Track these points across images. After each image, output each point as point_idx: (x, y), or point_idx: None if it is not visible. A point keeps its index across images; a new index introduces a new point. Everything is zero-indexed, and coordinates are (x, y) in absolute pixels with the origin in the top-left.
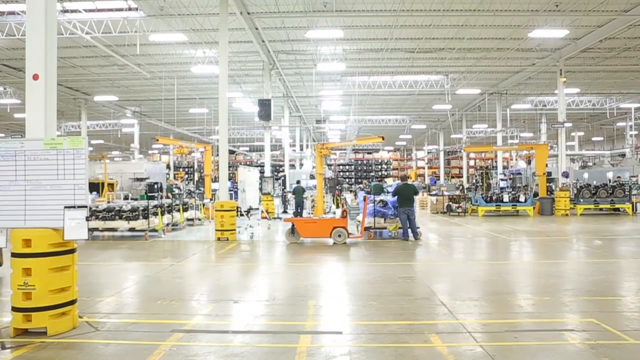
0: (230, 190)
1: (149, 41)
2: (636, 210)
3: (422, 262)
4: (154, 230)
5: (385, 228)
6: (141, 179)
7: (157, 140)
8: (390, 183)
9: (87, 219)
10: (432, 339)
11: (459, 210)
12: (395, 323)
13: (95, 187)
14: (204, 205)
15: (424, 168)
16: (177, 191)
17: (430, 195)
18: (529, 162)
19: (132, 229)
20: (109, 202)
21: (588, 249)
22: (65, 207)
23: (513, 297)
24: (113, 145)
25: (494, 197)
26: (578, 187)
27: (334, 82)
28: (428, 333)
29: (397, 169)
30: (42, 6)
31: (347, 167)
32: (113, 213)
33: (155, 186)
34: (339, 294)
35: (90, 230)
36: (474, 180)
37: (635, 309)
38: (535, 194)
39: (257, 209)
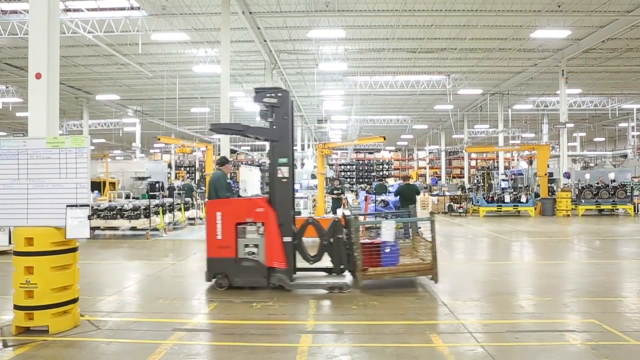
0: None
1: (151, 40)
2: (638, 211)
3: None
4: (156, 229)
5: None
6: (143, 178)
7: (159, 139)
8: (392, 183)
9: (89, 217)
10: (433, 339)
11: (460, 210)
12: (396, 323)
13: (96, 186)
14: (205, 204)
15: (425, 168)
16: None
17: (432, 195)
18: (530, 163)
19: (133, 228)
20: (110, 201)
21: (589, 250)
22: (67, 206)
23: (514, 298)
24: (114, 144)
25: (495, 198)
26: (579, 187)
27: (336, 82)
28: (429, 333)
29: (398, 169)
30: (44, 5)
31: (348, 167)
32: (115, 212)
33: (157, 185)
34: (339, 293)
35: (92, 229)
36: (476, 181)
37: (636, 310)
38: (537, 195)
39: None
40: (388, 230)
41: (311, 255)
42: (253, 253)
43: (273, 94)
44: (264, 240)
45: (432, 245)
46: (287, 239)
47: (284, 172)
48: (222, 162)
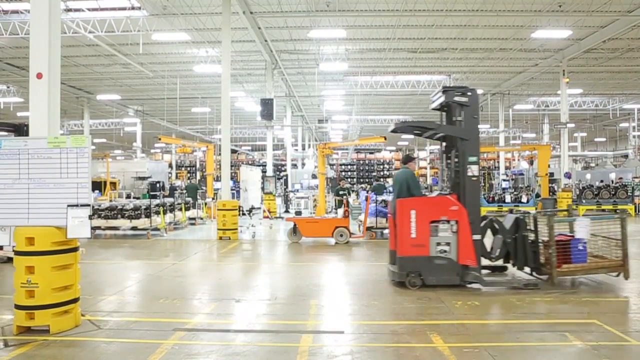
0: (232, 190)
1: (151, 40)
2: (638, 211)
3: None
4: (156, 229)
5: (387, 228)
6: (143, 178)
7: (160, 139)
8: (393, 183)
9: (90, 217)
10: (434, 339)
11: None
12: (397, 323)
13: (97, 185)
14: (206, 204)
15: (426, 168)
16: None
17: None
18: (531, 163)
19: (134, 228)
20: (111, 200)
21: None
22: (68, 206)
23: (514, 297)
24: (115, 144)
25: (496, 198)
26: (580, 187)
27: (337, 82)
28: (430, 333)
29: (399, 169)
30: (45, 5)
31: (349, 167)
32: (115, 212)
33: (158, 185)
34: (340, 293)
35: (93, 228)
36: None
37: (637, 310)
38: (538, 195)
39: (259, 208)
40: (582, 228)
41: (492, 254)
42: (445, 251)
43: (463, 93)
44: (456, 238)
45: (623, 242)
46: (477, 236)
47: (473, 170)
48: (408, 159)
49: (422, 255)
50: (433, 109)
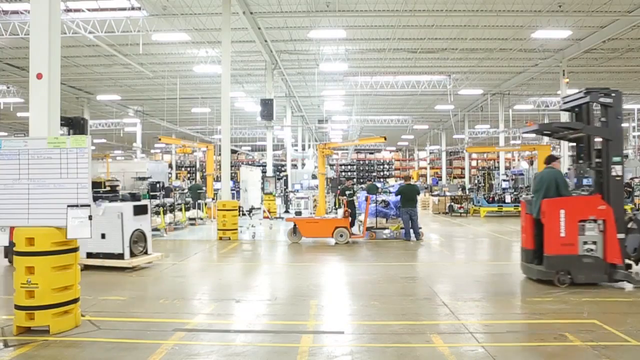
0: (232, 190)
1: (151, 40)
2: (638, 210)
3: (424, 262)
4: (156, 229)
5: (387, 228)
6: (143, 178)
7: (160, 139)
8: (392, 183)
9: (90, 217)
10: (434, 340)
11: (461, 210)
12: (397, 323)
13: (97, 186)
14: (205, 204)
15: (426, 168)
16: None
17: (432, 195)
18: (531, 163)
19: None
20: None
21: None
22: (68, 206)
23: (515, 298)
24: (115, 144)
25: (496, 198)
26: None
27: (337, 82)
28: (430, 333)
29: (399, 169)
30: (45, 5)
31: (349, 167)
32: None
33: (158, 185)
34: (340, 293)
35: None
36: (476, 181)
37: (636, 310)
38: None
39: (259, 208)
40: None
41: (630, 252)
42: (592, 250)
43: (607, 94)
44: (602, 237)
45: None
46: (621, 235)
47: (618, 170)
48: (552, 159)
49: (571, 254)
50: (563, 110)
